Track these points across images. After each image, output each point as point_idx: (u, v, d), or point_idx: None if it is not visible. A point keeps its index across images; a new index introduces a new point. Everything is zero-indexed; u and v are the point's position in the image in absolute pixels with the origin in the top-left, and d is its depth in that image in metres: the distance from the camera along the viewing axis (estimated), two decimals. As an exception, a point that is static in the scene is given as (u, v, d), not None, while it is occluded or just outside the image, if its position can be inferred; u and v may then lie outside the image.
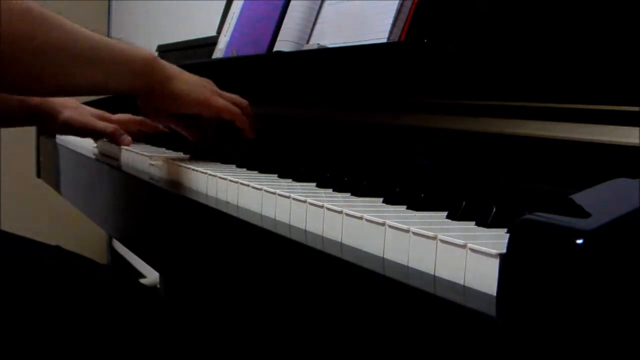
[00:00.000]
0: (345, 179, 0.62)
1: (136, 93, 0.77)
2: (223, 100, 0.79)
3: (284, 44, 0.87)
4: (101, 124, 0.98)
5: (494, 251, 0.33)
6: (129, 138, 0.95)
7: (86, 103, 1.10)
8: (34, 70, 0.64)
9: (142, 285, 0.90)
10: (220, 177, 0.63)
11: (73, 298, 0.75)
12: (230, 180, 0.61)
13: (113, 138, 0.95)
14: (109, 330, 0.73)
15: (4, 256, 0.79)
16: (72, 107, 1.02)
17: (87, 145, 1.11)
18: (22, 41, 0.61)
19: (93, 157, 1.01)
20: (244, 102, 0.82)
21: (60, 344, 0.69)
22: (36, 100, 1.01)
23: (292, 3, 0.89)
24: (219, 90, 0.81)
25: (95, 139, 1.05)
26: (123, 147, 0.94)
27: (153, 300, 0.83)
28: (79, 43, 0.67)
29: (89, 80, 0.70)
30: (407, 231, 0.40)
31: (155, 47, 1.54)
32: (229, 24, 1.07)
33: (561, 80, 0.52)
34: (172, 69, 0.77)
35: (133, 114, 1.06)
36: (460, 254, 0.36)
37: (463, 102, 0.60)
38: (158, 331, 0.75)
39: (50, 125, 1.03)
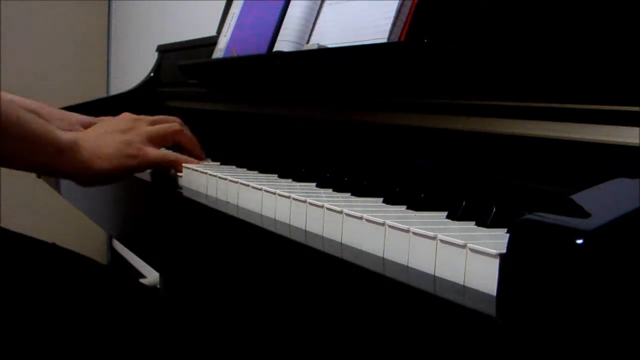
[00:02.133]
0: (345, 179, 0.62)
1: (60, 176, 0.76)
2: (153, 153, 0.75)
3: (284, 44, 0.87)
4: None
5: (494, 251, 0.33)
6: None
7: (76, 106, 1.09)
8: None
9: (142, 285, 0.90)
10: (220, 177, 0.63)
11: (72, 297, 0.75)
12: (230, 180, 0.61)
13: None
14: (108, 330, 0.73)
15: (1, 254, 0.79)
16: (57, 118, 0.99)
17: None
18: None
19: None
20: (171, 134, 0.78)
21: (59, 343, 0.69)
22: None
23: (292, 3, 0.89)
24: (147, 129, 0.76)
25: None
26: None
27: (153, 300, 0.83)
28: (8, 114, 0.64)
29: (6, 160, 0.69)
30: (407, 231, 0.40)
31: (155, 47, 1.54)
32: (229, 24, 1.07)
33: (561, 80, 0.52)
34: (92, 145, 0.73)
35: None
36: (460, 254, 0.36)
37: (463, 102, 0.60)
38: (158, 331, 0.75)
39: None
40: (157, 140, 0.77)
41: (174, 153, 0.78)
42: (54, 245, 0.86)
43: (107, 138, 0.75)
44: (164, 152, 0.77)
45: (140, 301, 0.80)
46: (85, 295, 0.76)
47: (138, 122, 0.78)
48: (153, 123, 0.79)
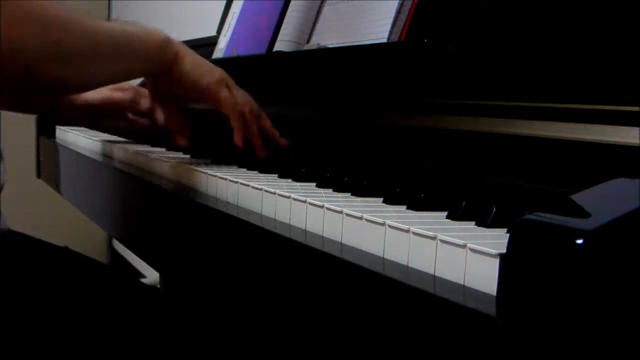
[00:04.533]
0: (345, 179, 0.62)
1: (149, 75, 0.76)
2: (227, 92, 0.76)
3: (284, 44, 0.87)
4: (118, 95, 0.96)
5: (494, 251, 0.33)
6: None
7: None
8: (55, 78, 0.63)
9: (142, 284, 0.90)
10: (220, 177, 0.63)
11: (74, 297, 0.75)
12: (230, 180, 0.61)
13: (134, 105, 0.93)
14: (109, 330, 0.73)
15: (9, 255, 0.79)
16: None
17: (87, 145, 1.11)
18: (34, 45, 0.58)
19: (93, 157, 1.01)
20: (250, 105, 0.78)
21: (61, 343, 0.69)
22: None
23: (292, 3, 0.89)
24: (230, 83, 0.78)
25: (117, 122, 1.03)
26: (122, 147, 0.94)
27: (153, 300, 0.83)
28: (94, 41, 0.65)
29: (106, 75, 0.70)
30: (407, 231, 0.40)
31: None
32: (229, 24, 1.07)
33: (561, 80, 0.52)
34: (183, 51, 0.76)
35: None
36: (460, 254, 0.36)
37: (463, 102, 0.60)
38: (158, 331, 0.75)
39: (69, 109, 0.99)
40: (238, 95, 0.77)
41: (240, 110, 0.77)
42: (65, 248, 0.86)
43: (196, 54, 0.77)
44: (233, 98, 0.76)
45: (140, 301, 0.80)
46: (89, 295, 0.77)
47: (225, 73, 0.78)
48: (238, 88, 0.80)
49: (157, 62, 0.73)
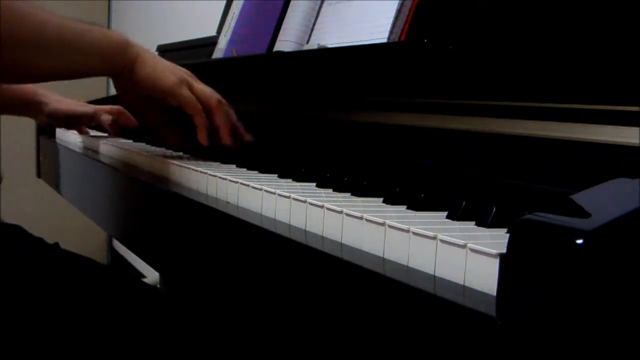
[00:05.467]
0: (345, 179, 0.62)
1: (106, 75, 0.78)
2: (187, 92, 0.77)
3: (284, 44, 0.87)
4: (83, 108, 1.05)
5: (494, 251, 0.33)
6: (110, 117, 1.03)
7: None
8: (6, 65, 0.65)
9: (143, 284, 0.90)
10: (220, 177, 0.63)
11: (73, 297, 0.75)
12: (230, 180, 0.61)
13: (94, 117, 1.01)
14: (109, 329, 0.73)
15: (3, 252, 0.79)
16: (55, 99, 1.08)
17: (87, 146, 1.11)
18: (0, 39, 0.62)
19: (93, 157, 1.01)
20: (214, 99, 0.78)
21: (60, 343, 0.69)
22: (25, 92, 1.06)
23: (292, 3, 0.89)
24: (191, 81, 0.79)
25: (81, 127, 1.13)
26: (122, 147, 0.94)
27: (153, 299, 0.83)
28: (52, 36, 0.68)
29: (57, 68, 0.71)
30: (407, 231, 0.40)
31: (155, 47, 1.54)
32: (229, 24, 1.07)
33: (561, 80, 0.52)
34: (143, 53, 0.77)
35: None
36: (460, 254, 0.36)
37: (463, 102, 0.60)
38: (158, 330, 0.75)
39: (38, 116, 1.11)
40: (198, 93, 0.78)
41: (201, 107, 0.77)
42: (56, 245, 0.87)
43: (158, 57, 0.79)
44: (193, 97, 0.77)
45: (140, 300, 0.80)
46: (87, 295, 0.77)
47: (188, 72, 0.80)
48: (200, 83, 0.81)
49: (115, 62, 0.75)
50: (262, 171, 0.70)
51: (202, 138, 0.78)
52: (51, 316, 0.71)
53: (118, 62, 0.75)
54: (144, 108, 0.83)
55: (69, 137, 1.24)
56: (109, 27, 2.97)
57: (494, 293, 0.33)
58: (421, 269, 0.38)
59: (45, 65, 0.70)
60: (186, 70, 0.80)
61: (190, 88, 0.78)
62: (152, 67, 0.77)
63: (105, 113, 1.06)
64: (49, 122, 1.15)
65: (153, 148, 0.99)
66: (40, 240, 0.87)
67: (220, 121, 0.78)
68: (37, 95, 1.08)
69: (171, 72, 0.77)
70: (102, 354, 0.70)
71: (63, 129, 1.26)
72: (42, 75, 0.73)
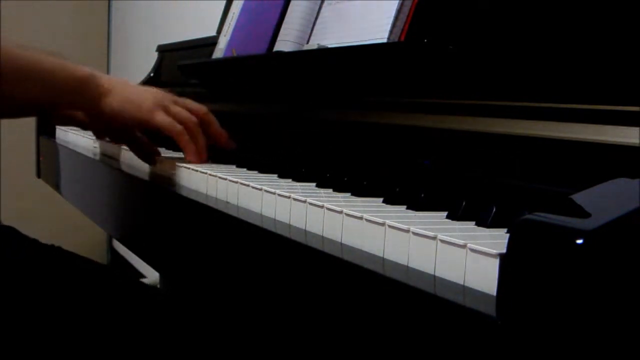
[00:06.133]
0: (345, 179, 0.62)
1: (73, 109, 0.77)
2: (163, 117, 0.75)
3: (284, 44, 0.87)
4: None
5: (494, 251, 0.33)
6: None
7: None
8: None
9: (142, 284, 0.90)
10: (220, 177, 0.63)
11: (69, 298, 0.75)
12: (230, 180, 0.61)
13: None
14: (108, 329, 0.73)
15: (2, 254, 0.79)
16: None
17: (87, 145, 1.11)
18: None
19: (93, 157, 1.01)
20: (191, 120, 0.76)
21: (58, 344, 0.69)
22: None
23: (292, 3, 0.89)
24: (167, 102, 0.76)
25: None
26: (123, 147, 0.94)
27: (153, 300, 0.83)
28: (7, 65, 0.67)
29: (17, 100, 0.70)
30: (407, 231, 0.40)
31: (155, 47, 1.54)
32: (229, 24, 1.07)
33: (561, 80, 0.52)
34: (110, 84, 0.75)
35: None
36: (460, 254, 0.36)
37: (463, 102, 0.60)
38: (158, 330, 0.75)
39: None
40: (174, 114, 0.76)
41: (182, 127, 0.75)
42: (55, 247, 0.86)
43: (126, 85, 0.76)
44: (171, 120, 0.75)
45: (140, 301, 0.80)
46: (86, 296, 0.76)
47: (162, 92, 0.78)
48: (177, 102, 0.79)
49: (76, 97, 0.73)
50: (262, 171, 0.70)
51: (191, 158, 0.76)
52: (48, 317, 0.71)
53: (80, 97, 0.74)
54: (121, 136, 0.81)
55: (69, 138, 1.24)
56: (109, 27, 2.97)
57: (494, 293, 0.33)
58: (421, 269, 0.38)
59: (3, 96, 0.68)
60: (159, 91, 0.78)
61: (167, 110, 0.76)
62: (122, 98, 0.75)
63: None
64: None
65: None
66: (34, 242, 0.87)
67: (199, 139, 0.77)
68: None
69: (144, 99, 0.75)
70: (101, 355, 0.70)
71: (63, 128, 1.26)
72: (1, 108, 0.71)
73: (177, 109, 0.77)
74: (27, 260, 0.80)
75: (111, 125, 0.77)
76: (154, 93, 0.77)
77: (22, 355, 0.67)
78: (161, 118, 0.75)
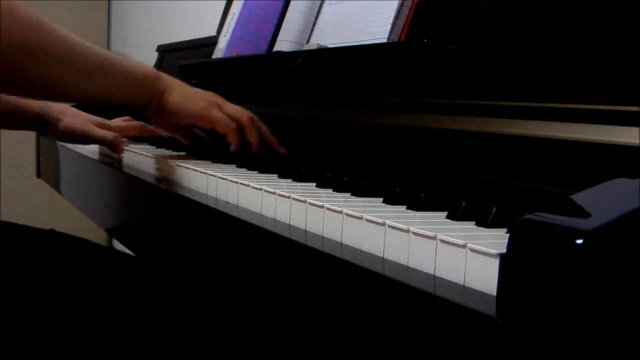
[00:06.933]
0: (345, 179, 0.62)
1: (135, 106, 0.81)
2: (218, 113, 0.80)
3: (284, 44, 0.87)
4: (100, 132, 0.99)
5: (494, 251, 0.33)
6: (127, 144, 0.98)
7: (76, 106, 1.10)
8: (37, 78, 0.68)
9: (142, 262, 0.90)
10: (220, 177, 0.63)
11: (71, 280, 0.76)
12: (230, 180, 0.61)
13: (111, 146, 0.96)
14: (109, 308, 0.73)
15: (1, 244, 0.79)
16: (70, 114, 1.03)
17: (87, 146, 1.11)
18: (31, 50, 0.65)
19: (93, 157, 1.01)
20: (245, 116, 0.81)
21: (59, 323, 0.70)
22: (35, 107, 1.03)
23: (292, 3, 0.89)
24: (221, 102, 0.82)
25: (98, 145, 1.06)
26: (127, 149, 0.94)
27: (153, 299, 0.83)
28: (82, 56, 0.71)
29: (89, 92, 0.74)
30: (407, 231, 0.40)
31: (155, 47, 1.54)
32: (229, 24, 1.07)
33: (561, 80, 0.52)
34: (171, 82, 0.81)
35: (132, 116, 1.06)
36: (460, 254, 0.36)
37: (463, 102, 0.60)
38: (158, 331, 0.75)
39: (50, 132, 1.05)
40: (228, 113, 0.81)
41: (235, 125, 0.80)
42: (51, 230, 0.87)
43: (185, 84, 0.82)
44: (226, 117, 0.81)
45: (140, 281, 0.80)
46: (85, 276, 0.77)
47: (216, 95, 0.84)
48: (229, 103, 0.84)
49: (144, 92, 0.78)
50: (262, 171, 0.70)
51: (234, 149, 0.81)
52: (49, 299, 0.72)
53: (146, 93, 0.79)
54: (174, 130, 0.87)
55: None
56: (109, 27, 2.97)
57: (494, 293, 0.33)
58: (421, 269, 0.38)
59: (73, 86, 0.72)
60: (214, 94, 0.83)
61: (221, 109, 0.81)
62: (181, 96, 0.80)
63: (124, 142, 1.00)
64: (61, 138, 1.08)
65: (153, 148, 0.99)
66: (31, 228, 0.88)
67: (252, 137, 0.82)
68: (46, 108, 1.03)
69: (201, 99, 0.81)
70: (99, 346, 0.70)
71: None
72: (69, 95, 0.75)
73: (231, 107, 0.82)
74: (27, 244, 0.81)
75: (170, 119, 0.82)
76: (209, 93, 0.83)
77: (20, 343, 0.67)
78: (216, 114, 0.80)
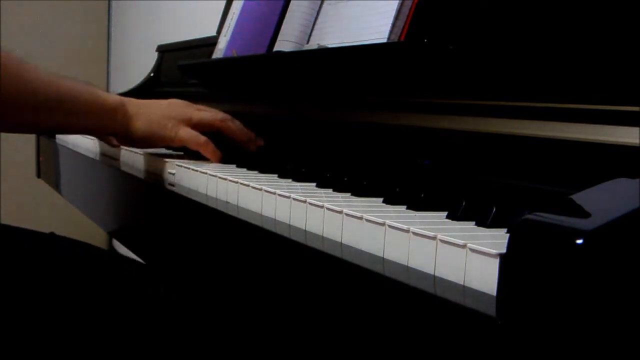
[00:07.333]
0: (345, 179, 0.62)
1: (104, 134, 0.83)
2: (186, 132, 0.80)
3: (284, 44, 0.87)
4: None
5: (494, 251, 0.33)
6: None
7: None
8: (10, 117, 0.71)
9: (144, 265, 0.90)
10: (220, 177, 0.63)
11: (72, 283, 0.76)
12: (230, 180, 0.61)
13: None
14: (111, 311, 0.73)
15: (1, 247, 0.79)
16: None
17: (87, 145, 1.11)
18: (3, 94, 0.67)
19: (93, 157, 1.01)
20: (216, 121, 0.82)
21: (60, 326, 0.69)
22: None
23: (292, 3, 0.89)
24: (192, 114, 0.81)
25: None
26: (123, 147, 0.94)
27: (153, 300, 0.83)
28: (48, 95, 0.73)
29: (49, 125, 0.77)
30: (407, 231, 0.40)
31: (155, 47, 1.54)
32: (229, 24, 1.07)
33: (561, 80, 0.52)
34: (136, 109, 0.81)
35: None
36: (460, 254, 0.36)
37: (463, 102, 0.60)
38: (158, 331, 0.75)
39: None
40: (198, 124, 0.81)
41: (206, 138, 0.80)
42: (52, 234, 0.87)
43: (151, 106, 0.82)
44: (195, 134, 0.80)
45: (140, 284, 0.80)
46: (86, 280, 0.77)
47: (185, 104, 0.84)
48: (200, 110, 0.84)
49: (108, 123, 0.79)
50: (262, 171, 0.70)
51: (215, 161, 0.80)
52: (49, 302, 0.72)
53: (110, 124, 0.79)
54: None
55: (69, 138, 1.24)
56: (109, 27, 2.97)
57: (494, 293, 0.33)
58: (421, 269, 0.38)
59: (41, 122, 0.75)
60: (183, 104, 0.83)
61: (191, 121, 0.81)
62: (147, 123, 0.80)
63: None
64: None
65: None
66: (32, 232, 0.87)
67: (236, 136, 0.82)
68: None
69: (168, 120, 0.81)
70: (103, 337, 0.70)
71: None
72: (32, 128, 0.80)
73: (201, 115, 0.82)
74: (27, 248, 0.81)
75: (140, 146, 0.83)
76: (177, 107, 0.83)
77: (22, 340, 0.67)
78: (184, 133, 0.80)
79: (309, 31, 0.86)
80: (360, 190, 0.55)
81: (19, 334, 0.68)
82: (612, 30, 0.49)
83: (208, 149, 0.80)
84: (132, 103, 0.81)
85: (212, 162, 0.79)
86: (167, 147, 0.87)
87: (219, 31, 1.14)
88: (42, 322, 0.69)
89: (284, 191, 0.53)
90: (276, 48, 0.89)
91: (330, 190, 0.57)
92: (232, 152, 0.81)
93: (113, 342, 0.71)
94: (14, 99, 0.69)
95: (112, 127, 0.80)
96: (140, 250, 0.85)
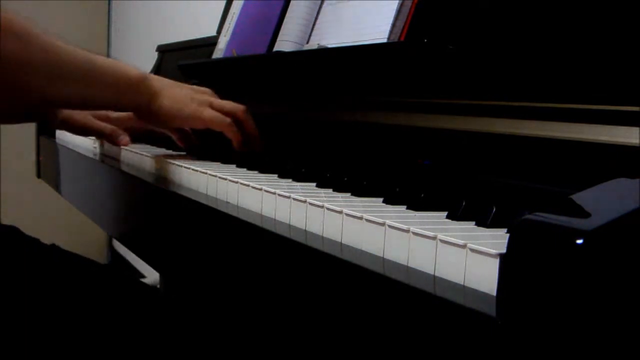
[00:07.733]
0: (345, 179, 0.62)
1: (123, 110, 0.81)
2: (212, 112, 0.79)
3: (284, 44, 0.87)
4: (99, 124, 0.98)
5: (494, 251, 0.33)
6: (127, 138, 0.96)
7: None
8: (18, 85, 0.67)
9: (142, 284, 0.90)
10: (220, 177, 0.63)
11: (70, 298, 0.75)
12: (230, 180, 0.61)
13: (109, 138, 0.95)
14: (108, 329, 0.73)
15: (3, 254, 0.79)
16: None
17: (87, 145, 1.11)
18: (6, 58, 0.64)
19: (93, 157, 1.01)
20: (239, 110, 0.81)
21: (59, 343, 0.69)
22: None
23: (292, 3, 0.89)
24: (212, 100, 0.81)
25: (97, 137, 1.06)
26: (123, 147, 0.94)
27: (153, 300, 0.83)
28: (64, 62, 0.70)
29: (73, 97, 0.73)
30: (407, 231, 0.40)
31: (155, 47, 1.54)
32: (229, 24, 1.07)
33: (561, 80, 0.52)
34: (160, 85, 0.79)
35: None
36: (460, 254, 0.36)
37: (463, 102, 0.60)
38: (158, 331, 0.75)
39: (50, 122, 1.03)
40: (220, 111, 0.80)
41: (231, 120, 0.80)
42: (53, 245, 0.86)
43: (175, 85, 0.81)
44: (221, 115, 0.80)
45: (140, 300, 0.80)
46: (85, 295, 0.77)
47: (207, 90, 0.83)
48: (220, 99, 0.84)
49: (131, 97, 0.77)
50: (262, 171, 0.70)
51: (239, 146, 0.80)
52: (47, 317, 0.71)
53: (134, 98, 0.77)
54: (162, 132, 0.87)
55: (69, 138, 1.24)
56: (109, 27, 2.97)
57: (494, 293, 0.33)
58: (421, 269, 0.38)
59: (57, 92, 0.71)
60: (205, 90, 0.82)
61: (212, 106, 0.80)
62: (171, 100, 0.79)
63: (124, 133, 1.00)
64: (60, 127, 1.08)
65: (152, 148, 0.99)
66: (36, 241, 0.87)
67: (251, 128, 0.81)
68: None
69: (191, 100, 0.80)
70: (101, 355, 0.70)
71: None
72: (55, 101, 0.74)
73: (222, 103, 0.81)
74: (28, 260, 0.80)
75: (161, 123, 0.81)
76: (199, 91, 0.82)
77: (21, 355, 0.67)
78: (209, 113, 0.79)
79: (309, 31, 0.86)
80: (360, 190, 0.55)
81: (18, 335, 0.68)
82: (612, 31, 0.49)
83: (233, 129, 0.80)
84: (155, 78, 0.80)
85: (214, 162, 0.79)
86: (190, 128, 0.86)
87: (219, 31, 1.14)
88: (40, 333, 0.69)
89: (284, 191, 0.53)
90: (276, 48, 0.89)
91: (330, 190, 0.57)
92: (232, 152, 0.81)
93: (112, 353, 0.71)
94: (25, 64, 0.66)
95: (135, 101, 0.77)
96: (140, 250, 0.85)
